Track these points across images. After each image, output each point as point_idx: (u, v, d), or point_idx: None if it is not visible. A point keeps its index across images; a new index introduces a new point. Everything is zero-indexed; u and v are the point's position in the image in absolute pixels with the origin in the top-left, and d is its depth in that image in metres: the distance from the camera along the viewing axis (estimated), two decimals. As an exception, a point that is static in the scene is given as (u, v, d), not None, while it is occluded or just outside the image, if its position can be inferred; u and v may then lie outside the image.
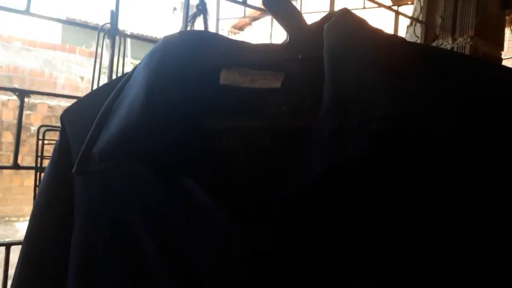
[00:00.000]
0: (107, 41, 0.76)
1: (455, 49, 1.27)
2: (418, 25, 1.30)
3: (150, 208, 0.40)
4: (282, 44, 0.43)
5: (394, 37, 0.38)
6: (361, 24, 0.38)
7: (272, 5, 0.40)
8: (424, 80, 0.35)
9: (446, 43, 1.29)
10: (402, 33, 1.36)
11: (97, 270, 0.41)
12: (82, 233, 0.42)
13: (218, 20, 1.50)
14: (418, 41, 1.30)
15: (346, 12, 0.39)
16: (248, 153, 0.42)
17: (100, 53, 0.80)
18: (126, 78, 0.42)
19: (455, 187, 0.35)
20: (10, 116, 4.80)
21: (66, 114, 0.45)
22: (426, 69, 0.35)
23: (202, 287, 0.38)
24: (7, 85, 4.68)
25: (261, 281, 0.36)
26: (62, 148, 0.44)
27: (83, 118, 0.43)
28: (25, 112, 4.79)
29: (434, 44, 1.30)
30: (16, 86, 4.52)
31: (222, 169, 0.40)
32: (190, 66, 0.42)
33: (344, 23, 0.38)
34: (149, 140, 0.37)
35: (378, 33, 0.38)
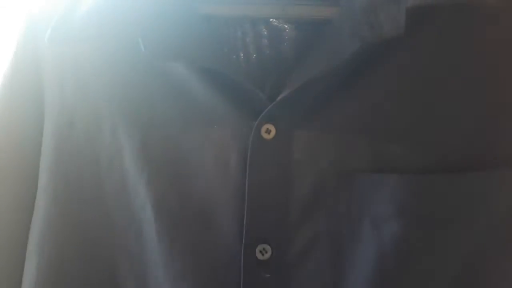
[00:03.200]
0: None
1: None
2: None
3: (134, 103, 0.35)
4: None
5: None
6: None
7: None
8: None
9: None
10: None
11: (68, 171, 0.36)
12: (53, 128, 0.36)
13: None
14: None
15: None
16: (257, 42, 0.36)
17: None
18: None
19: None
20: None
21: None
22: None
23: (192, 187, 0.34)
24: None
25: (260, 177, 0.33)
26: (28, 21, 0.38)
27: None
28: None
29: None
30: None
31: (224, 57, 0.35)
32: None
33: None
34: (141, 12, 0.32)
35: None
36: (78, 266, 0.35)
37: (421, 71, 0.33)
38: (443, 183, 0.32)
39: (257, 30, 0.37)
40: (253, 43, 0.37)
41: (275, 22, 0.37)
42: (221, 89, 0.33)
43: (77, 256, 0.35)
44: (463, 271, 0.33)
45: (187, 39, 0.33)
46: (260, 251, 0.33)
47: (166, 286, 0.34)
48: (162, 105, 0.34)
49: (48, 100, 0.37)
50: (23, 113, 0.38)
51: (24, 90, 0.38)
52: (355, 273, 0.33)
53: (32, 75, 0.37)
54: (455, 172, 0.32)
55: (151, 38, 0.32)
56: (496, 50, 0.33)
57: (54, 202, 0.36)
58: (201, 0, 0.36)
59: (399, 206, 0.32)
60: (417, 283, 0.33)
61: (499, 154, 0.33)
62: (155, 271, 0.34)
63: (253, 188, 0.33)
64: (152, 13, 0.32)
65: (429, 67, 0.33)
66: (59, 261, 0.35)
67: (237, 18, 0.37)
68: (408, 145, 0.33)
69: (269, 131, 0.32)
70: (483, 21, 0.32)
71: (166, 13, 0.33)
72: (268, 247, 0.33)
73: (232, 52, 0.36)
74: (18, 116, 0.38)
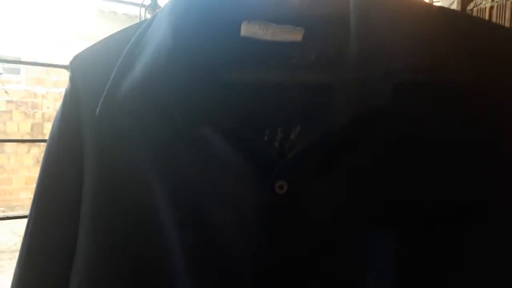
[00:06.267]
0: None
1: (495, 8, 1.20)
2: (454, -15, 1.24)
3: (166, 157, 0.40)
4: None
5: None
6: None
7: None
8: (446, 38, 0.36)
9: (485, 2, 1.22)
10: (437, -5, 1.30)
11: (107, 223, 0.41)
12: (93, 188, 0.42)
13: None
14: (455, 2, 1.24)
15: None
16: (268, 104, 0.42)
17: None
18: (146, 25, 0.42)
19: (471, 139, 0.36)
20: (50, 108, 4.97)
21: (76, 61, 0.44)
22: (447, 29, 0.37)
23: (214, 237, 0.38)
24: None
25: (275, 229, 0.37)
26: (72, 95, 0.44)
27: (98, 63, 0.43)
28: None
29: (472, 4, 1.24)
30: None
31: (241, 119, 0.40)
32: (213, 16, 0.42)
33: None
34: (174, 86, 0.38)
35: None
36: None
37: (411, 133, 0.36)
38: (439, 237, 0.35)
39: (268, 93, 0.42)
40: (264, 104, 0.42)
41: (283, 85, 0.42)
42: (239, 149, 0.38)
43: None
44: None
45: (212, 106, 0.38)
46: None
47: None
48: (189, 165, 0.39)
49: (87, 158, 0.42)
50: (66, 168, 0.43)
51: (68, 151, 0.43)
52: None
53: (75, 137, 0.43)
54: (451, 224, 0.35)
55: (183, 109, 0.37)
56: (469, 118, 0.36)
57: (94, 250, 0.41)
58: (223, 70, 0.41)
59: (398, 258, 0.35)
60: None
61: (486, 205, 0.36)
62: None
63: (267, 239, 0.37)
64: (183, 87, 0.38)
65: (416, 130, 0.36)
66: None
67: (254, 83, 0.42)
68: (406, 200, 0.36)
69: (282, 187, 0.36)
70: (459, 96, 0.36)
71: (195, 85, 0.38)
72: None
73: (247, 114, 0.41)
74: (62, 171, 0.44)
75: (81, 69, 0.44)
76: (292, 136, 0.39)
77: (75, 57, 0.45)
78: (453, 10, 0.43)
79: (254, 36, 0.42)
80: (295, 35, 0.42)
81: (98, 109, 0.39)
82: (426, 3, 0.40)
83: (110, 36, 0.45)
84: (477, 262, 0.36)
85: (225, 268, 0.38)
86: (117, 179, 0.41)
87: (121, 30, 0.45)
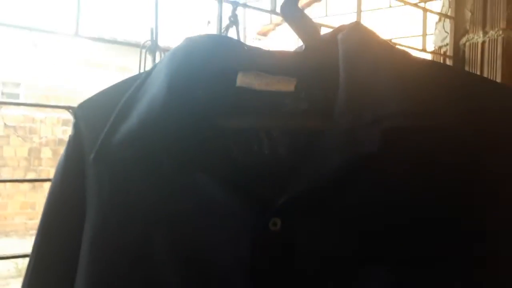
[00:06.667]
0: (148, 57, 0.79)
1: (487, 43, 1.23)
2: (447, 20, 1.27)
3: (163, 203, 0.41)
4: (297, 51, 0.45)
5: (400, 49, 0.43)
6: (373, 34, 0.42)
7: (288, 15, 0.43)
8: (431, 85, 0.38)
9: (477, 37, 1.25)
10: (431, 29, 1.32)
11: (106, 268, 0.42)
12: (93, 228, 0.42)
13: (244, 28, 1.53)
14: (448, 37, 1.26)
15: (358, 24, 0.43)
16: (261, 150, 0.43)
17: (143, 68, 0.83)
18: (146, 74, 0.44)
19: (465, 182, 0.37)
20: (48, 133, 4.98)
21: (81, 108, 0.46)
22: (426, 77, 0.39)
23: (211, 281, 0.39)
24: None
25: (271, 266, 0.38)
26: (75, 141, 0.45)
27: (99, 111, 0.44)
28: (64, 128, 4.97)
29: (464, 38, 1.26)
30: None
31: (236, 165, 0.41)
32: (210, 68, 0.43)
33: (357, 33, 0.42)
34: (167, 134, 0.39)
35: (387, 43, 0.42)
36: None
37: (400, 177, 0.37)
38: (430, 276, 0.36)
39: (262, 139, 0.43)
40: (258, 150, 0.43)
41: (276, 132, 0.43)
42: (233, 191, 0.39)
43: None
44: None
45: (204, 153, 0.39)
46: None
47: None
48: (185, 205, 0.40)
49: (88, 201, 0.43)
50: (68, 210, 0.45)
51: (70, 195, 0.45)
52: None
53: (77, 180, 0.44)
54: (441, 263, 0.36)
55: (175, 155, 0.39)
56: (458, 160, 0.37)
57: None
58: (217, 114, 0.42)
59: None
60: None
61: (480, 245, 0.36)
62: None
63: (260, 274, 0.37)
64: (175, 135, 0.39)
65: (406, 173, 0.37)
66: None
67: (246, 129, 0.43)
68: (398, 240, 0.37)
69: (276, 223, 0.37)
70: (447, 141, 0.37)
71: (187, 132, 0.39)
72: None
73: (241, 160, 0.42)
74: (63, 212, 0.45)
75: (84, 116, 0.45)
76: (285, 182, 0.40)
77: (80, 105, 0.47)
78: (429, 60, 0.45)
79: (249, 86, 0.44)
80: (288, 85, 0.43)
81: (93, 154, 0.41)
82: (406, 53, 0.42)
83: (113, 86, 0.47)
84: None
85: None
86: (114, 223, 0.42)
87: (124, 80, 0.47)
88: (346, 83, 0.38)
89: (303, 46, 0.44)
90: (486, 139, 0.37)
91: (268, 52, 0.45)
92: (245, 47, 0.45)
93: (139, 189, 0.42)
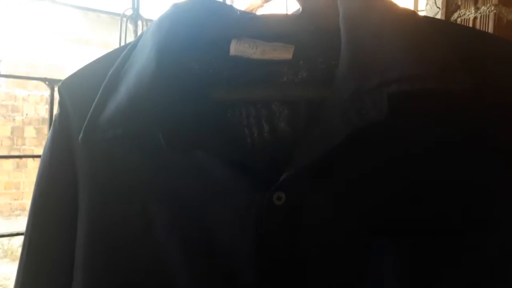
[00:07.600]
0: (129, 27, 0.76)
1: (478, 19, 1.22)
2: (439, -5, 1.25)
3: (161, 181, 0.39)
4: (293, 15, 0.42)
5: (405, 8, 0.39)
6: None
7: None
8: (437, 45, 0.35)
9: (469, 13, 1.24)
10: (422, 5, 1.31)
11: (104, 250, 0.41)
12: (89, 211, 0.41)
13: (232, 3, 1.50)
14: (440, 12, 1.25)
15: None
16: (260, 124, 0.42)
17: (124, 39, 0.80)
18: (131, 46, 0.41)
19: (470, 148, 0.35)
20: (31, 111, 4.88)
21: (65, 85, 0.44)
22: (437, 36, 0.36)
23: (216, 257, 0.38)
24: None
25: (276, 241, 0.37)
26: (61, 120, 0.43)
27: (84, 87, 0.42)
28: (47, 106, 4.87)
29: (456, 14, 1.25)
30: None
31: (235, 140, 0.40)
32: (200, 35, 0.41)
33: None
34: (160, 109, 0.37)
35: (392, 1, 0.39)
36: None
37: (409, 144, 0.36)
38: (438, 248, 0.35)
39: (261, 112, 0.42)
40: (257, 124, 0.41)
41: (275, 104, 0.42)
42: (234, 167, 0.38)
43: None
44: None
45: (201, 129, 0.37)
46: None
47: None
48: (185, 183, 0.39)
49: (81, 183, 0.42)
50: (59, 194, 0.43)
51: (60, 176, 0.43)
52: None
53: (66, 162, 0.42)
54: (450, 235, 0.35)
55: (170, 132, 0.37)
56: (469, 126, 0.36)
57: (91, 274, 0.40)
58: (212, 87, 0.41)
59: (397, 270, 0.35)
60: None
61: (487, 216, 0.36)
62: None
63: (266, 248, 0.37)
64: (168, 110, 0.37)
65: (415, 140, 0.36)
66: None
67: (243, 102, 0.42)
68: (405, 212, 0.36)
69: (280, 198, 0.36)
70: (453, 105, 0.35)
71: (181, 106, 0.37)
72: None
73: (240, 134, 0.41)
74: (55, 197, 0.43)
75: (70, 93, 0.43)
76: (287, 154, 0.39)
77: (64, 82, 0.44)
78: (439, 19, 0.42)
79: (244, 55, 0.42)
80: (285, 53, 0.41)
81: (81, 134, 0.39)
82: (413, 12, 0.39)
83: (97, 59, 0.45)
84: (477, 273, 0.35)
85: (225, 273, 0.38)
86: (111, 202, 0.41)
87: (108, 53, 0.45)
88: (348, 46, 0.36)
89: (300, 9, 0.41)
90: (500, 104, 0.36)
91: (263, 16, 0.43)
92: (238, 12, 0.43)
93: (136, 169, 0.40)
